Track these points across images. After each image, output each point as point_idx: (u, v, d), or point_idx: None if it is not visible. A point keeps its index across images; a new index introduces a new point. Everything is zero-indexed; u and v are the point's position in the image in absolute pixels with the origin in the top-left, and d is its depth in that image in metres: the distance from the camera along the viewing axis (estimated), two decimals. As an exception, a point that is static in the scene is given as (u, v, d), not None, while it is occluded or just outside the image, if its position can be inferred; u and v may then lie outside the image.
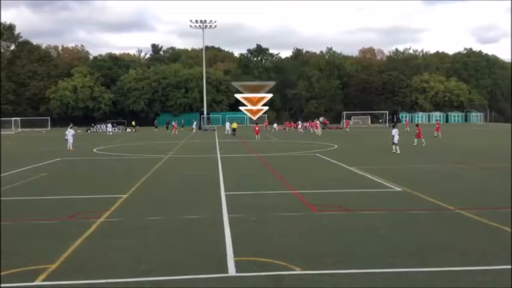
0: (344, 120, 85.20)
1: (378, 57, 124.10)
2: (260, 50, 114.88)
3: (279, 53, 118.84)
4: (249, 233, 9.77)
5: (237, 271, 7.33)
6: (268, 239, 9.23)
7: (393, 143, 28.81)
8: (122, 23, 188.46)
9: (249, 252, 8.29)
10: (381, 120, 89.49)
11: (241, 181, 17.42)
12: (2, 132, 68.47)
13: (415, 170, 20.45)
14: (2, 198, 14.14)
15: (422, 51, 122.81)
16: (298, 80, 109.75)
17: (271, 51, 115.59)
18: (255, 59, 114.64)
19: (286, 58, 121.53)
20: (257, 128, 47.16)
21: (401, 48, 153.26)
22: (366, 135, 53.30)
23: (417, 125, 34.68)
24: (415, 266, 7.54)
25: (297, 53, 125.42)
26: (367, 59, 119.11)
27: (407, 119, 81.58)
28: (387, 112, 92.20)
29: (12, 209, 12.66)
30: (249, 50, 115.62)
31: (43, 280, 7.02)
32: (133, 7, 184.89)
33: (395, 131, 29.19)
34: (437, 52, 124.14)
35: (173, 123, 68.63)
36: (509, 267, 7.29)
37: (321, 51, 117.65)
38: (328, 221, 10.75)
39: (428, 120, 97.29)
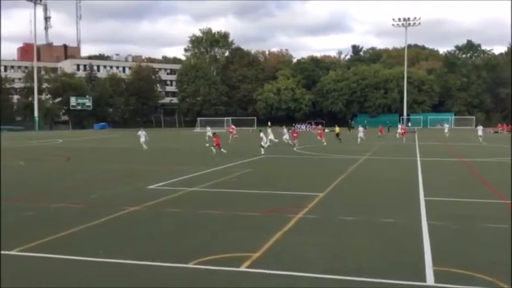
0: None
1: None
2: (470, 46, 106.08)
3: (492, 49, 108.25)
4: (449, 242, 9.15)
5: (436, 281, 6.94)
6: (472, 251, 8.53)
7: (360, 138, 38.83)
8: (320, 26, 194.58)
9: (450, 262, 7.76)
10: None
11: (442, 187, 16.38)
12: (217, 130, 76.23)
13: None
14: (214, 190, 15.84)
15: None
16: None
17: (482, 47, 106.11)
18: (463, 56, 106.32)
19: (500, 54, 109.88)
20: (319, 132, 45.35)
21: None
22: None
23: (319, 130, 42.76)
24: None
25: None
26: None
27: None
28: None
29: (222, 200, 14.09)
30: (456, 47, 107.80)
31: (246, 267, 7.64)
32: (329, 9, 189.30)
33: (361, 129, 39.12)
34: None
35: (399, 125, 59.36)
36: None
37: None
38: (546, 238, 9.43)
39: None
